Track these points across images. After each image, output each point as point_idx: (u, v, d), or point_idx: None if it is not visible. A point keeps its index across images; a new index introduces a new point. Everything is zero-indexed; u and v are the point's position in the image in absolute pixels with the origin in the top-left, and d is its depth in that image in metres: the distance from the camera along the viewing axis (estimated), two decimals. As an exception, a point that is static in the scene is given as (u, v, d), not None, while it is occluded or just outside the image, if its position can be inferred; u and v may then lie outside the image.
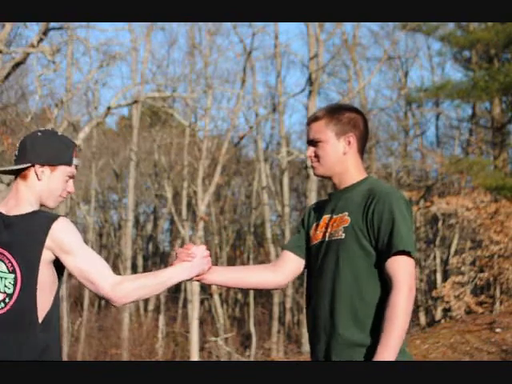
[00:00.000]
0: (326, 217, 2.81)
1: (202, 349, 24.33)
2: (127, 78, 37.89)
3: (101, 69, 16.59)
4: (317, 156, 2.83)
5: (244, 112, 27.92)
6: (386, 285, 2.60)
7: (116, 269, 35.30)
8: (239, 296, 31.69)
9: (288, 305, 27.12)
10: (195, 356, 21.08)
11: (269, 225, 27.86)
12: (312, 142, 2.83)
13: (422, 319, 26.90)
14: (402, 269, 2.56)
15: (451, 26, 21.95)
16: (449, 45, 23.17)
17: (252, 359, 23.12)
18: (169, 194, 30.20)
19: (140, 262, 34.89)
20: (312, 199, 21.66)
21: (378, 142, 28.49)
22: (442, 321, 20.01)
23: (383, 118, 29.88)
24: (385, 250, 2.60)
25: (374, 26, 27.02)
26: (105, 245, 37.43)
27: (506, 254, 17.19)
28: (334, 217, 2.77)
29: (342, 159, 2.79)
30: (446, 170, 22.95)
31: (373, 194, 2.69)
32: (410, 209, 2.67)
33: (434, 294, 19.95)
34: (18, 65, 14.33)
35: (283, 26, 39.72)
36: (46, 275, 2.49)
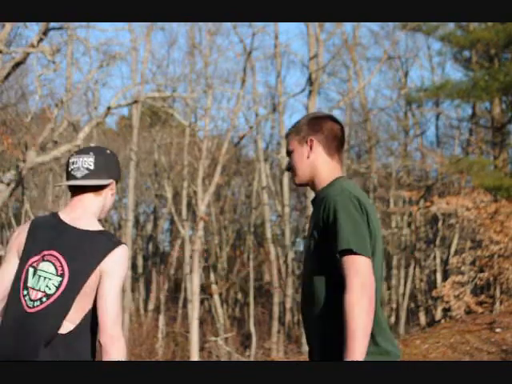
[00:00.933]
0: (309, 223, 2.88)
1: (201, 349, 24.32)
2: (127, 78, 37.93)
3: (101, 69, 16.58)
4: (292, 167, 2.93)
5: (244, 112, 27.93)
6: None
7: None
8: (239, 296, 31.71)
9: (288, 305, 27.10)
10: (195, 356, 21.08)
11: (269, 225, 27.85)
12: (287, 155, 2.95)
13: (422, 319, 26.90)
14: (349, 268, 2.51)
15: (451, 25, 21.95)
16: (449, 45, 23.18)
17: (252, 359, 23.12)
18: (169, 194, 30.19)
19: (140, 261, 34.88)
20: (312, 199, 21.67)
21: (378, 142, 28.49)
22: (442, 321, 20.00)
23: (383, 118, 29.92)
24: (334, 254, 2.57)
25: (374, 25, 27.04)
26: (105, 245, 37.45)
27: (506, 253, 17.18)
28: (309, 224, 2.83)
29: (307, 163, 2.81)
30: (445, 169, 22.96)
31: (324, 201, 2.67)
32: (363, 207, 2.59)
33: (433, 293, 19.95)
34: (18, 65, 14.33)
35: (283, 26, 39.78)
36: (89, 286, 2.64)
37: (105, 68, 16.80)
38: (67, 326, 2.62)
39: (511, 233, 17.10)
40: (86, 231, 2.67)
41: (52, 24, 14.16)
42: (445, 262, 25.28)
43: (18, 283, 2.65)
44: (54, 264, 2.61)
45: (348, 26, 27.39)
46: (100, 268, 2.61)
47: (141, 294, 33.31)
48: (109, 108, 15.42)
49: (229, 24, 24.01)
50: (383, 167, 28.71)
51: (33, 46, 13.77)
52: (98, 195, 2.78)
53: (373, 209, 2.67)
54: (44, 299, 2.59)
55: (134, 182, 26.70)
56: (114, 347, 2.62)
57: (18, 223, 31.33)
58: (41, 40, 14.06)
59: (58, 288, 2.60)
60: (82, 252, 2.63)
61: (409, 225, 28.08)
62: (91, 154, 2.79)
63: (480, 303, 17.50)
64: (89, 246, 2.63)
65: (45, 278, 2.60)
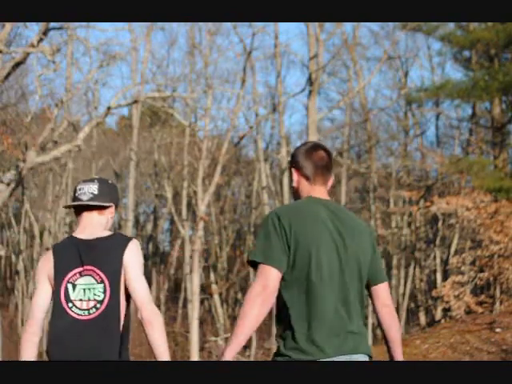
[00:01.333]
0: None
1: (201, 349, 24.31)
2: (127, 77, 37.90)
3: (101, 69, 16.58)
4: None
5: (244, 112, 27.92)
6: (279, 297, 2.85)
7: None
8: (239, 296, 31.69)
9: (288, 305, 27.09)
10: (195, 356, 21.07)
11: (269, 225, 27.80)
12: None
13: (422, 319, 26.90)
14: (255, 277, 2.80)
15: (451, 25, 21.96)
16: (449, 45, 23.18)
17: (252, 359, 23.11)
18: (169, 194, 30.18)
19: (140, 261, 34.86)
20: (312, 199, 21.66)
21: (378, 142, 28.49)
22: (442, 321, 20.01)
23: (383, 118, 29.91)
24: None
25: (374, 25, 27.04)
26: (105, 245, 37.44)
27: (506, 253, 17.18)
28: None
29: (293, 191, 3.10)
30: (445, 169, 22.96)
31: None
32: (282, 224, 2.82)
33: (433, 293, 19.95)
34: (17, 65, 14.32)
35: (283, 26, 39.79)
36: (122, 279, 3.14)
37: (105, 68, 16.82)
38: (121, 322, 3.11)
39: (511, 233, 17.10)
40: (100, 239, 3.18)
41: (52, 24, 14.16)
42: (445, 262, 25.28)
43: (59, 299, 3.12)
44: (91, 276, 3.09)
45: (348, 26, 27.39)
46: (123, 262, 3.10)
47: (141, 293, 33.28)
48: (109, 108, 15.42)
49: (229, 24, 24.01)
50: (383, 167, 28.70)
51: (33, 45, 13.76)
52: (101, 214, 3.29)
53: (301, 221, 2.83)
54: (98, 305, 3.07)
55: (134, 182, 26.70)
56: (157, 319, 3.10)
57: (18, 223, 31.36)
58: (41, 40, 14.06)
59: (104, 293, 3.08)
60: (106, 256, 3.11)
61: (409, 225, 28.08)
62: (96, 182, 3.31)
63: (480, 303, 17.50)
64: (109, 249, 3.13)
65: (89, 289, 3.08)
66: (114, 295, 3.09)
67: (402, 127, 28.81)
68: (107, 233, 3.24)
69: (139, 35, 23.27)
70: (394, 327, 3.03)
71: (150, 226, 36.99)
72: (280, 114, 25.80)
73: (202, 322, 24.99)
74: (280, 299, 2.83)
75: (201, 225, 22.82)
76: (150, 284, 32.37)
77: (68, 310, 3.08)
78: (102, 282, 3.08)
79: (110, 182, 3.41)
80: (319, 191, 2.99)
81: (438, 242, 26.55)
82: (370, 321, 26.70)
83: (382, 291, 3.00)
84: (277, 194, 29.47)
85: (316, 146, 3.07)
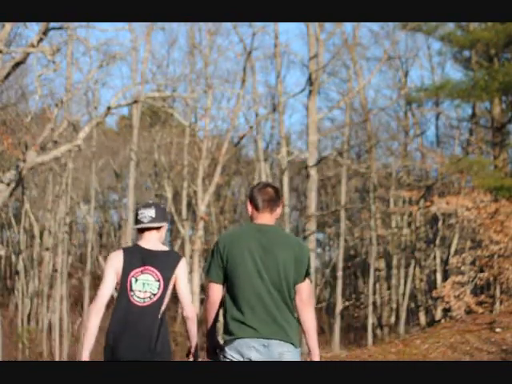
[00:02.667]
0: None
1: (201, 349, 24.30)
2: (127, 77, 37.91)
3: (101, 69, 16.58)
4: None
5: (244, 112, 27.94)
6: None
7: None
8: (239, 296, 31.65)
9: (288, 305, 27.09)
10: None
11: (269, 225, 27.80)
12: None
13: (422, 319, 26.90)
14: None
15: (451, 25, 21.95)
16: (449, 44, 23.18)
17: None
18: (169, 194, 30.18)
19: (140, 261, 34.85)
20: (312, 199, 21.65)
21: (378, 142, 28.49)
22: (442, 321, 20.00)
23: (383, 118, 29.90)
24: None
25: (374, 25, 27.04)
26: (105, 244, 37.42)
27: (506, 253, 17.16)
28: None
29: (249, 216, 4.12)
30: (445, 169, 22.95)
31: None
32: (220, 246, 3.95)
33: (434, 293, 19.92)
34: (17, 64, 14.32)
35: (283, 26, 39.80)
36: (172, 284, 4.33)
37: (105, 68, 16.82)
38: (162, 310, 4.26)
39: (511, 233, 17.09)
40: (161, 251, 4.38)
41: (52, 24, 14.14)
42: (445, 262, 25.28)
43: (125, 289, 4.25)
44: (151, 274, 4.26)
45: (348, 26, 27.42)
46: (175, 273, 4.31)
47: (141, 293, 33.28)
48: (109, 108, 15.42)
49: (229, 24, 24.01)
50: (383, 167, 28.69)
51: (33, 45, 13.76)
52: (158, 232, 4.46)
53: (240, 239, 3.92)
54: (152, 296, 4.24)
55: (134, 182, 26.70)
56: (194, 316, 4.42)
57: (18, 223, 31.37)
58: (41, 40, 14.05)
59: (158, 288, 4.25)
60: (164, 264, 4.31)
61: (409, 225, 28.08)
62: (152, 207, 4.45)
63: (480, 303, 17.48)
64: (167, 260, 4.33)
65: (148, 284, 4.24)
66: (164, 292, 4.25)
67: (402, 127, 28.82)
68: (165, 248, 4.46)
69: (139, 35, 23.29)
70: (307, 321, 3.82)
71: (150, 226, 36.93)
72: (280, 114, 25.81)
73: (201, 322, 24.97)
74: (226, 297, 3.90)
75: (201, 225, 22.83)
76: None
77: (130, 297, 4.23)
78: (158, 281, 4.25)
79: (162, 205, 4.56)
80: (265, 217, 4.03)
81: (438, 242, 26.55)
82: (370, 321, 26.72)
83: (301, 290, 3.84)
84: (277, 194, 29.45)
85: (265, 185, 4.14)
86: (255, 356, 3.43)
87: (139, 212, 4.44)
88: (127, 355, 3.95)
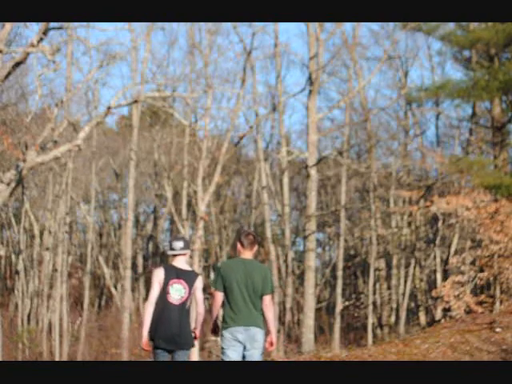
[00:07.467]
0: None
1: (201, 348, 24.32)
2: (127, 77, 37.96)
3: (101, 68, 16.56)
4: None
5: (244, 112, 27.95)
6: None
7: (116, 268, 35.33)
8: (239, 296, 31.66)
9: (288, 305, 27.13)
10: (195, 356, 21.08)
11: (269, 224, 27.86)
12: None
13: (422, 319, 26.93)
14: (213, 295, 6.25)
15: (451, 25, 21.93)
16: (449, 44, 23.16)
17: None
18: (169, 194, 30.20)
19: (140, 261, 34.90)
20: (312, 199, 21.64)
21: (378, 142, 28.50)
22: (442, 320, 20.01)
23: (383, 118, 29.91)
24: None
25: (374, 25, 27.06)
26: (105, 244, 37.44)
27: (506, 253, 17.17)
28: None
29: (237, 251, 6.37)
30: (445, 169, 22.95)
31: None
32: (220, 270, 6.20)
33: (433, 293, 19.91)
34: (18, 64, 14.31)
35: (283, 26, 39.75)
36: (192, 294, 6.38)
37: (105, 68, 16.81)
38: (187, 306, 6.31)
39: (511, 232, 17.09)
40: (187, 270, 6.39)
41: (52, 24, 14.13)
42: (445, 262, 25.29)
43: (165, 293, 6.24)
44: (181, 284, 6.28)
45: (348, 26, 27.41)
46: (194, 286, 6.33)
47: (141, 293, 33.32)
48: (109, 108, 15.42)
49: (229, 24, 24.00)
50: (383, 167, 28.69)
51: (33, 45, 13.76)
52: (185, 256, 6.46)
53: (232, 267, 6.15)
54: (181, 298, 6.25)
55: (134, 182, 26.71)
56: (204, 313, 6.49)
57: (18, 223, 31.38)
58: (41, 40, 14.05)
59: (185, 294, 6.27)
60: (189, 278, 6.33)
61: (409, 224, 28.10)
62: (181, 240, 6.43)
63: (480, 303, 17.48)
64: (190, 277, 6.35)
65: (179, 290, 6.27)
66: (189, 296, 6.30)
67: (402, 127, 28.83)
68: (190, 268, 6.52)
69: (139, 35, 23.28)
70: (268, 316, 6.01)
71: (150, 226, 37.01)
72: (280, 114, 25.84)
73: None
74: (224, 301, 6.09)
75: (201, 224, 22.83)
76: (150, 284, 32.44)
77: (168, 299, 6.23)
78: (185, 288, 6.28)
79: (187, 238, 7.00)
80: (247, 253, 6.24)
81: (437, 241, 26.56)
82: (370, 321, 26.74)
83: (265, 299, 6.05)
84: (277, 194, 29.51)
85: (248, 233, 6.34)
86: (241, 337, 5.77)
87: (172, 243, 6.49)
88: (164, 333, 6.06)
